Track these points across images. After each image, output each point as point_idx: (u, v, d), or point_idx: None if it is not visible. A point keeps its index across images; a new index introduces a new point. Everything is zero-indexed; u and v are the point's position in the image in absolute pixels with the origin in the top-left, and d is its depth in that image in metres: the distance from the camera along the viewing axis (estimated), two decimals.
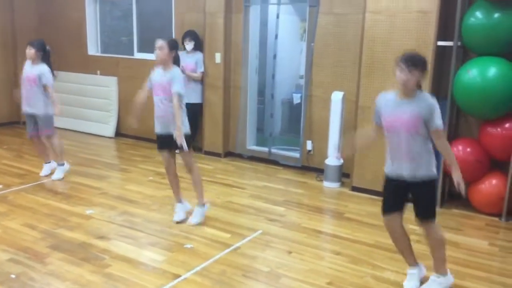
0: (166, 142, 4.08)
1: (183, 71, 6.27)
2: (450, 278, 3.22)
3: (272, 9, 6.46)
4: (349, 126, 5.25)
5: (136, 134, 7.23)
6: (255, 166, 6.13)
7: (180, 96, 3.90)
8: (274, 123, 6.48)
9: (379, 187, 4.78)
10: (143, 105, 4.14)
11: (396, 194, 3.13)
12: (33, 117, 5.22)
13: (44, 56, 5.18)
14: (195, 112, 6.49)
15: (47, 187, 5.02)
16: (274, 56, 6.06)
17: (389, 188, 3.16)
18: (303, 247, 3.74)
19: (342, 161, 5.29)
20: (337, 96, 5.27)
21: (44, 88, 5.11)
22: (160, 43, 3.89)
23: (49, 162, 5.51)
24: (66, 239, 3.77)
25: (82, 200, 4.66)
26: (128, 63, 7.28)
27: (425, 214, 3.09)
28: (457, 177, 2.99)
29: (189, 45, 6.25)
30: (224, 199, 4.85)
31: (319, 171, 5.64)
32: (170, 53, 3.91)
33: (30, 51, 5.11)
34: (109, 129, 7.45)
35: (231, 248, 3.70)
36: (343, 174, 5.38)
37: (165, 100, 3.93)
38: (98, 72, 7.56)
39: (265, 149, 6.26)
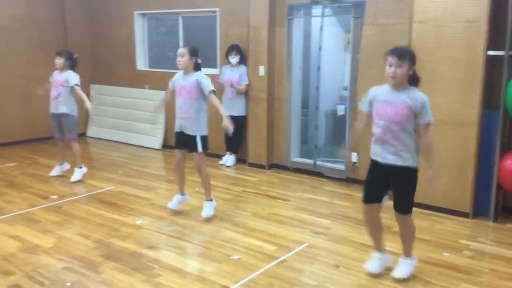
0: (182, 141, 4.47)
1: (231, 85, 6.42)
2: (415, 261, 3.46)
3: (315, 21, 6.48)
4: None
5: None
6: (299, 178, 6.13)
7: (215, 92, 4.33)
8: (319, 135, 6.46)
9: (429, 201, 4.71)
10: (165, 105, 4.74)
11: (378, 183, 3.29)
12: (59, 119, 5.67)
13: (72, 64, 5.66)
14: (239, 125, 6.57)
15: (99, 198, 5.20)
16: (318, 68, 6.06)
17: (372, 175, 3.33)
18: (351, 262, 3.70)
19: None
20: None
21: (73, 88, 5.58)
22: (181, 50, 4.30)
23: (62, 164, 5.99)
24: (118, 249, 3.89)
25: (132, 211, 4.80)
26: None
27: (404, 208, 3.27)
28: (431, 174, 3.17)
29: (235, 59, 6.36)
30: (269, 211, 4.87)
31: None
32: (190, 60, 4.29)
33: (59, 61, 5.58)
34: (157, 141, 7.66)
35: (278, 260, 3.71)
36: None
37: (189, 102, 4.31)
38: (146, 86, 7.81)
39: (309, 161, 6.24)
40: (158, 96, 7.59)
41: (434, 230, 4.38)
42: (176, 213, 4.72)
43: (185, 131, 4.41)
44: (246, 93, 6.50)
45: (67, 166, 6.02)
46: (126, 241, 4.05)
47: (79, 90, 5.60)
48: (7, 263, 3.59)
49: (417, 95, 3.11)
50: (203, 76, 4.33)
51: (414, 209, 4.76)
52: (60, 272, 3.48)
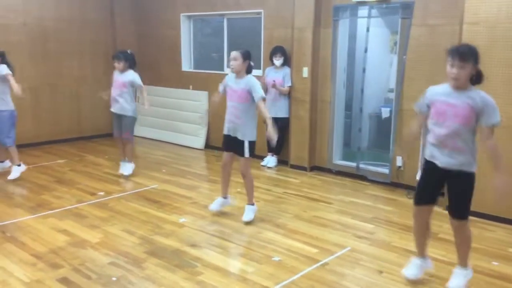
0: (230, 145, 4.44)
1: (273, 85, 6.43)
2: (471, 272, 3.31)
3: (361, 22, 6.39)
4: None
5: None
6: (341, 181, 6.05)
7: (264, 99, 4.29)
8: (362, 137, 6.36)
9: (479, 208, 4.54)
10: (217, 105, 4.69)
11: (432, 185, 3.21)
12: (119, 118, 5.81)
13: (131, 63, 5.77)
14: (282, 126, 6.57)
15: (144, 195, 5.32)
16: (364, 70, 5.97)
17: (426, 177, 3.24)
18: (394, 267, 3.62)
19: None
20: None
21: (137, 90, 5.81)
22: (234, 54, 4.26)
23: (125, 160, 6.15)
24: (162, 246, 3.97)
25: (176, 209, 4.89)
26: (218, 78, 7.52)
27: (460, 213, 3.11)
28: (500, 182, 2.96)
29: (279, 61, 6.36)
30: (311, 213, 4.83)
31: (410, 188, 5.43)
32: (243, 63, 4.25)
33: (119, 65, 5.70)
34: (200, 141, 7.76)
35: (319, 263, 3.68)
36: None
37: (239, 106, 4.27)
38: (191, 87, 7.93)
39: (352, 163, 6.16)
40: (201, 96, 7.71)
41: (483, 238, 4.22)
42: (218, 213, 4.76)
43: (233, 135, 4.39)
44: (289, 95, 6.49)
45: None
46: (169, 238, 4.13)
47: (144, 92, 5.82)
48: (56, 257, 3.73)
49: (480, 95, 2.96)
50: (255, 81, 4.27)
51: None
52: (106, 267, 3.58)
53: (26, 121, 7.57)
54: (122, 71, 5.74)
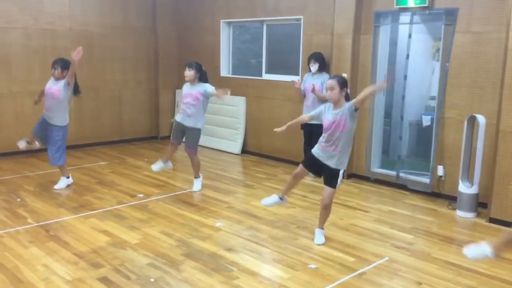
0: (316, 167, 4.17)
1: (313, 90, 6.39)
2: None
3: (402, 29, 6.28)
4: (488, 151, 4.89)
5: (260, 152, 7.51)
6: (379, 189, 5.95)
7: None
8: (402, 145, 6.24)
9: None
10: (296, 126, 4.34)
11: None
12: (183, 130, 5.55)
13: (201, 77, 5.50)
14: (319, 133, 6.51)
15: (181, 198, 5.40)
16: (405, 77, 5.85)
17: None
18: (434, 279, 3.53)
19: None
20: (482, 120, 4.92)
21: (207, 100, 5.51)
22: (330, 83, 3.96)
23: (166, 162, 5.79)
24: (198, 249, 4.01)
25: (212, 213, 4.93)
26: (256, 84, 7.60)
27: None
28: None
29: (314, 67, 6.32)
30: (347, 221, 4.77)
31: (451, 199, 5.29)
32: (341, 92, 3.95)
33: (190, 73, 5.43)
34: (236, 146, 7.81)
35: (356, 272, 3.62)
36: (480, 204, 4.97)
37: (340, 135, 3.95)
38: (229, 92, 7.97)
39: (391, 172, 6.05)
40: (239, 101, 7.76)
41: None
42: (254, 217, 4.77)
43: (324, 162, 4.07)
44: (326, 102, 6.42)
45: (170, 165, 5.92)
46: (206, 241, 4.17)
47: (217, 92, 5.44)
48: (97, 256, 3.83)
49: None
50: (349, 105, 3.94)
51: (507, 229, 4.48)
52: (145, 268, 3.65)
53: (69, 123, 7.80)
54: (192, 82, 5.47)
